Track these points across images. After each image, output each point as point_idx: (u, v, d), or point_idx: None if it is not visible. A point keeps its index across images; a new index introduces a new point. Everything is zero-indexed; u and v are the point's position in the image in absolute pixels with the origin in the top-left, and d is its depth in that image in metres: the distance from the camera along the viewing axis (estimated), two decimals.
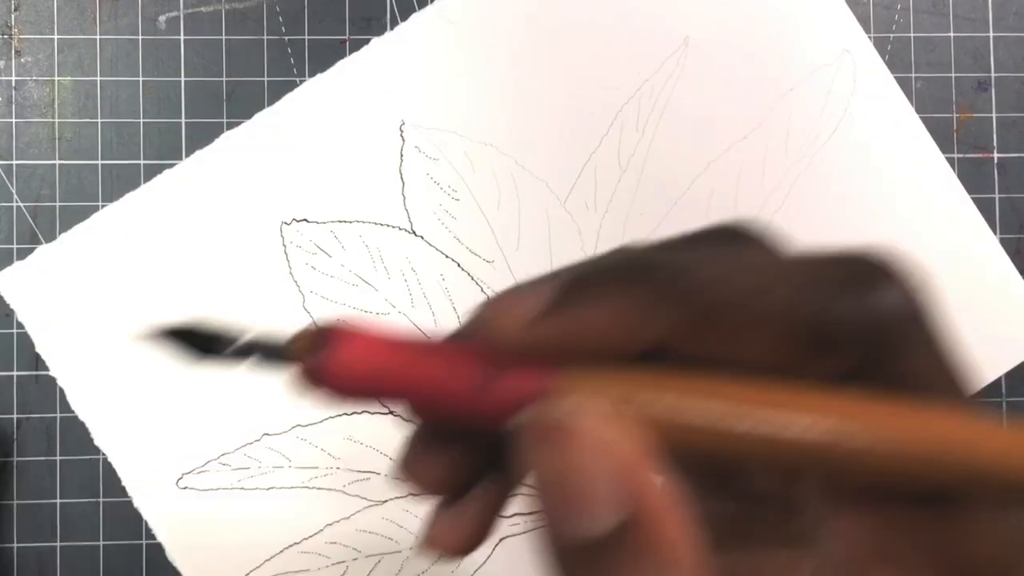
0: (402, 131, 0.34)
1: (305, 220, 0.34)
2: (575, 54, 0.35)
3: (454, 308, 0.34)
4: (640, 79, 0.35)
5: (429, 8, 0.35)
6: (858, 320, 0.16)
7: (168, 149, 0.35)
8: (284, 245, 0.34)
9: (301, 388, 0.17)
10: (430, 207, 0.34)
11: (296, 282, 0.34)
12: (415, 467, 0.18)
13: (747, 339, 0.16)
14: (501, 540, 0.34)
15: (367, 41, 0.35)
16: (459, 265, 0.34)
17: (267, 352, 0.17)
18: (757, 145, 0.35)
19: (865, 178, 0.35)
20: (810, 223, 0.35)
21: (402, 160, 0.34)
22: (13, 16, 0.35)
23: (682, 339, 0.16)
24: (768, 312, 0.16)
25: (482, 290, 0.34)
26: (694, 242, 0.18)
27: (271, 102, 0.35)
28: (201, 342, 0.18)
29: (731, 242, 0.18)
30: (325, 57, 0.35)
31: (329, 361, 0.16)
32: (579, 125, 0.35)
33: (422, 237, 0.34)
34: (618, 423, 0.16)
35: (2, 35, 0.35)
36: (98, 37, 0.35)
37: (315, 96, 0.34)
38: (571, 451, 0.15)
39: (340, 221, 0.34)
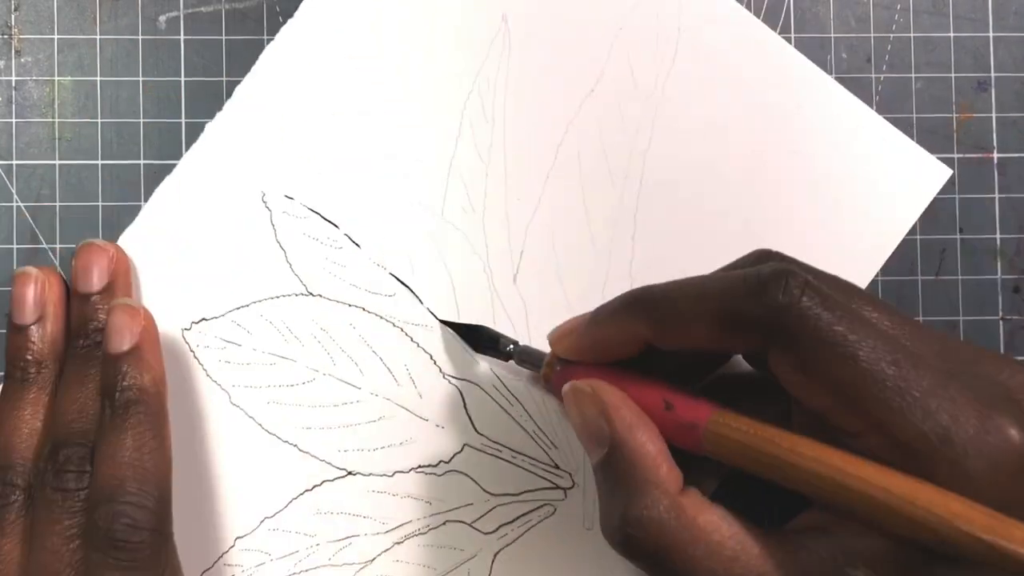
0: (265, 202, 0.34)
1: (203, 319, 0.34)
2: (404, 63, 0.35)
3: (374, 352, 0.34)
4: (474, 71, 0.35)
5: (248, 80, 0.35)
6: (756, 313, 0.25)
7: (168, 149, 0.35)
8: (192, 350, 0.34)
9: (542, 384, 0.32)
10: (317, 264, 0.34)
11: (216, 382, 0.34)
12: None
13: (693, 332, 0.27)
14: (496, 555, 0.34)
15: None
16: (364, 309, 0.34)
17: (528, 358, 0.32)
18: (607, 93, 0.35)
19: (722, 90, 0.35)
20: (681, 153, 0.35)
21: (275, 229, 0.34)
22: (13, 16, 0.35)
23: (659, 341, 0.27)
24: (703, 313, 0.26)
25: (394, 325, 0.34)
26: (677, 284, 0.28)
27: None
28: (481, 339, 0.34)
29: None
30: None
31: (567, 373, 0.30)
32: (430, 134, 0.35)
33: (320, 295, 0.34)
34: (612, 391, 0.28)
35: (2, 35, 0.35)
36: (98, 37, 0.35)
37: (180, 189, 0.34)
38: (581, 404, 0.28)
39: (237, 308, 0.34)
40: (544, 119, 0.35)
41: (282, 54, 0.35)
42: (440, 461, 0.34)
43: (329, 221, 0.34)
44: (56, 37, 0.35)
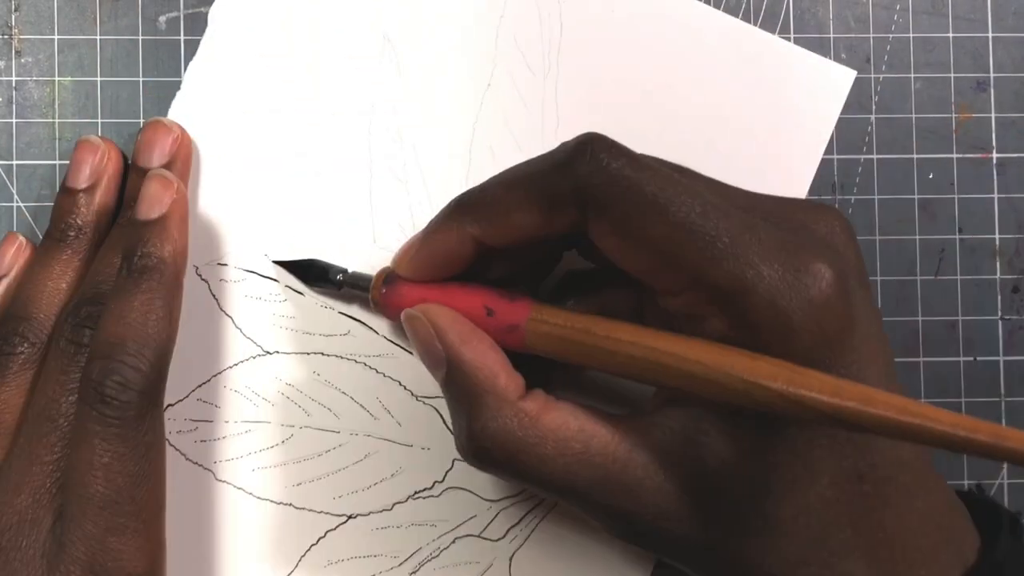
0: (200, 275, 0.34)
1: (168, 405, 0.33)
2: (306, 104, 0.35)
3: (344, 393, 0.34)
4: (370, 95, 0.35)
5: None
6: (567, 184, 0.26)
7: None
8: (166, 438, 0.32)
9: (374, 308, 0.32)
10: (267, 321, 0.34)
11: (197, 464, 0.34)
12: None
13: (516, 220, 0.27)
14: (511, 559, 0.34)
15: None
16: (323, 353, 0.34)
17: (355, 283, 0.32)
18: (504, 84, 0.35)
19: (617, 48, 0.35)
20: (590, 119, 0.35)
21: (216, 299, 0.34)
22: (13, 16, 0.35)
23: (491, 239, 0.28)
24: (520, 199, 0.27)
25: (356, 361, 0.34)
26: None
27: None
28: (312, 273, 0.33)
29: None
30: None
31: (391, 294, 0.31)
32: (346, 170, 0.34)
33: (277, 351, 0.34)
34: (441, 311, 0.28)
35: (2, 35, 0.35)
36: (98, 37, 0.35)
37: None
38: (416, 329, 0.29)
39: (199, 385, 0.34)
40: (449, 125, 0.35)
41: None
42: (435, 482, 0.34)
43: (267, 277, 0.34)
44: (56, 37, 0.35)
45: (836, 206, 0.36)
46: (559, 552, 0.34)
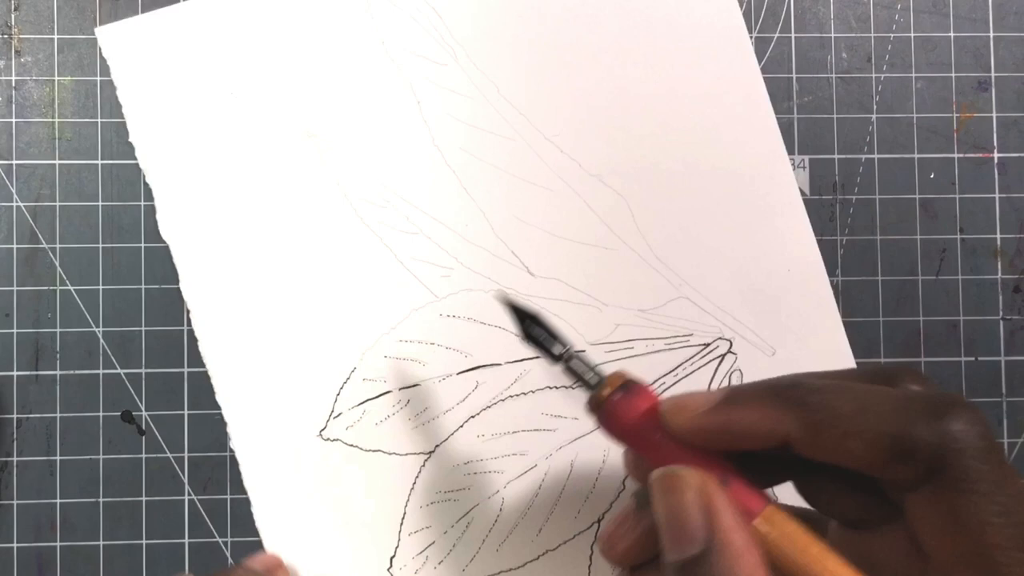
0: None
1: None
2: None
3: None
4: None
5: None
6: (929, 440, 0.22)
7: None
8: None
9: (588, 410, 0.26)
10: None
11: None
12: (614, 536, 0.27)
13: (847, 446, 0.23)
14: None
15: None
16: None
17: (579, 370, 0.27)
18: (433, 106, 0.35)
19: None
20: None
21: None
22: (13, 16, 0.35)
23: (801, 443, 0.24)
24: (864, 428, 0.23)
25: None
26: (838, 376, 0.25)
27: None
28: (532, 327, 0.28)
29: (867, 378, 0.25)
30: None
31: (615, 412, 0.25)
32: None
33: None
34: (717, 488, 0.24)
35: (2, 35, 0.35)
36: (98, 37, 0.35)
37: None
38: (677, 492, 0.24)
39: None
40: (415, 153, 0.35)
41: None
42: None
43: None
44: (56, 37, 0.35)
45: (844, 232, 0.36)
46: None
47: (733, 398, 0.25)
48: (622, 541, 0.27)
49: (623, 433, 0.26)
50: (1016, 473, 0.23)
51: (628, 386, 0.26)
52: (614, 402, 0.26)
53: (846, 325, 0.35)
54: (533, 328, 0.28)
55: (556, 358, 0.27)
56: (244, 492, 0.34)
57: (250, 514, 0.34)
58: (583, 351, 0.28)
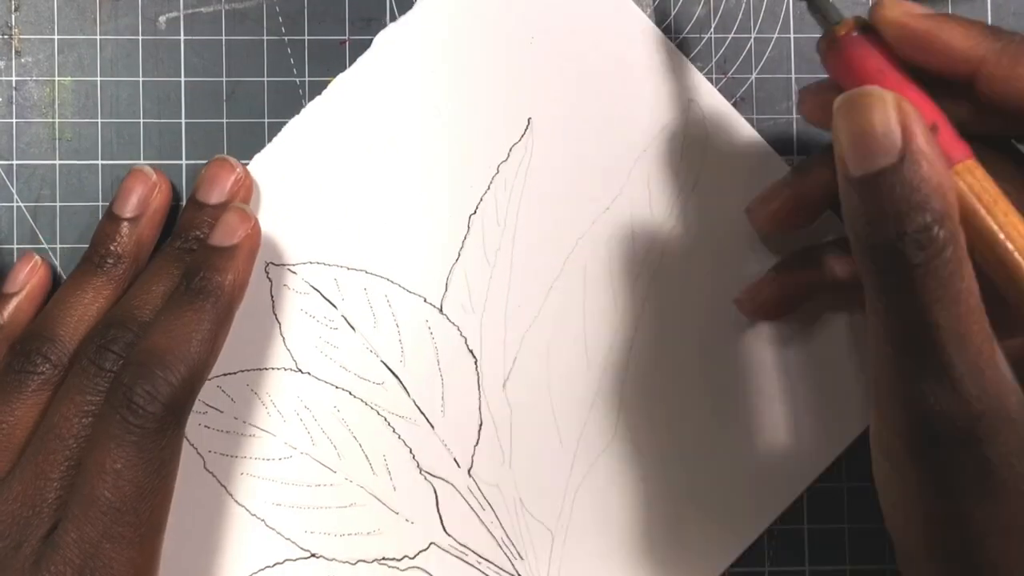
0: (267, 272, 0.34)
1: None
2: (424, 152, 0.34)
3: (354, 438, 0.34)
4: (491, 171, 0.34)
5: (270, 147, 0.35)
6: None
7: (168, 149, 0.35)
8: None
9: (824, 47, 0.29)
10: (311, 341, 0.34)
11: (192, 445, 0.34)
12: (767, 197, 0.32)
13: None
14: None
15: (367, 42, 0.35)
16: (351, 393, 0.34)
17: (823, 7, 0.29)
18: (622, 213, 0.35)
19: (741, 218, 0.34)
20: (689, 277, 0.35)
21: (273, 301, 0.34)
22: (13, 16, 0.35)
23: (990, 75, 0.27)
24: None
25: (378, 413, 0.34)
26: None
27: (271, 102, 0.35)
28: None
29: None
30: (325, 58, 0.35)
31: (857, 46, 0.28)
32: (441, 229, 0.34)
33: (309, 373, 0.34)
34: (907, 104, 0.25)
35: (2, 35, 0.35)
36: (98, 37, 0.35)
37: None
38: (875, 107, 0.24)
39: (224, 374, 0.34)
40: (556, 229, 0.34)
41: (300, 129, 0.35)
42: (404, 556, 0.34)
43: (328, 301, 0.34)
44: (56, 37, 0.35)
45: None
46: None
47: (943, 16, 0.28)
48: (772, 202, 0.31)
49: (847, 64, 0.28)
50: None
51: (867, 28, 0.28)
52: (853, 37, 0.28)
53: None
54: None
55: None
56: None
57: None
58: None
